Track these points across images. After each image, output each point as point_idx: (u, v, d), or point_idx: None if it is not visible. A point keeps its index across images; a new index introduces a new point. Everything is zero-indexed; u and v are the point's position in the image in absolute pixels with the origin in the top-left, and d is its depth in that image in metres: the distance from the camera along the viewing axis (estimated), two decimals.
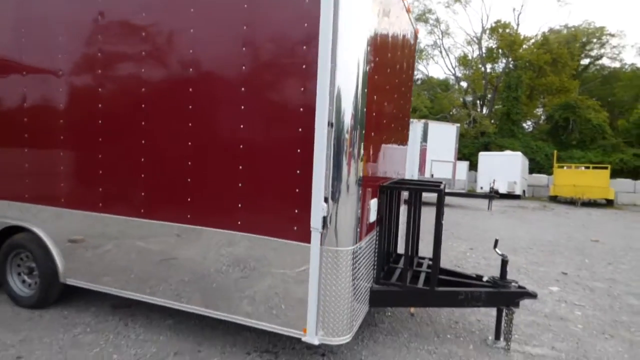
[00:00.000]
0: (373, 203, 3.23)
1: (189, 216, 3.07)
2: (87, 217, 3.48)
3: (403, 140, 4.72)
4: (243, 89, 2.83)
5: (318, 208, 2.64)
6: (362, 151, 2.80)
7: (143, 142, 3.18)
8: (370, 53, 2.77)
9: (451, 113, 33.64)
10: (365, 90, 2.75)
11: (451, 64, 37.39)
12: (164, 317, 3.79)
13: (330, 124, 2.60)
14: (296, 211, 2.75)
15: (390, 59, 3.50)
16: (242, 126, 2.86)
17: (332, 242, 2.72)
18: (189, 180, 3.05)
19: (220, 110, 2.94)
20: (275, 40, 2.75)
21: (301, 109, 2.68)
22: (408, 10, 4.02)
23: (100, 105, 3.33)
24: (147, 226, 3.23)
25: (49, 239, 3.65)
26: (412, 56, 4.79)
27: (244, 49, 2.82)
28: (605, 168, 18.46)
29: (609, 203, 18.42)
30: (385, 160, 3.72)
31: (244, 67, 2.83)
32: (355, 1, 2.59)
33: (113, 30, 3.27)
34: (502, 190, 18.49)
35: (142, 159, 3.19)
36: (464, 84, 37.14)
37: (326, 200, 2.65)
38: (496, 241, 3.91)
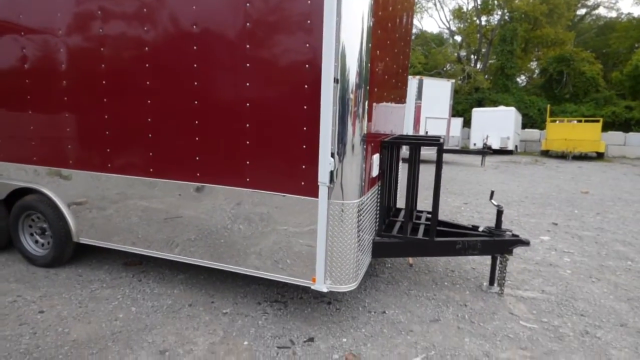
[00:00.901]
0: (375, 158, 3.32)
1: (197, 174, 3.15)
2: (96, 177, 3.54)
3: (402, 97, 4.74)
4: (248, 45, 2.82)
5: (325, 163, 2.72)
6: (366, 108, 2.85)
7: (149, 101, 3.19)
8: (373, 6, 2.75)
9: (445, 68, 33.15)
10: (369, 45, 2.75)
11: (445, 17, 36.37)
12: (175, 273, 3.96)
13: (336, 80, 2.63)
14: (303, 167, 2.84)
15: (391, 12, 3.46)
16: (247, 84, 2.87)
17: (339, 195, 2.83)
18: (196, 139, 3.10)
19: (226, 69, 2.94)
20: None
21: (306, 66, 2.69)
22: None
23: (103, 65, 3.30)
24: (156, 185, 3.31)
25: (59, 199, 3.73)
26: (411, 9, 4.71)
27: (247, 4, 2.78)
28: (597, 121, 18.61)
29: (600, 156, 18.74)
30: (387, 117, 3.77)
31: (248, 24, 2.81)
32: None
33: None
34: (495, 146, 18.65)
35: (149, 119, 3.22)
36: (458, 38, 36.35)
37: (333, 155, 2.73)
38: (492, 192, 4.06)
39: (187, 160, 3.16)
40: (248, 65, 2.85)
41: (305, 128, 2.77)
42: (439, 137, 4.20)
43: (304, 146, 2.80)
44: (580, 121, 19.36)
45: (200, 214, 3.21)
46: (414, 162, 3.96)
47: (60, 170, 3.70)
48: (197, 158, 3.13)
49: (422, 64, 31.56)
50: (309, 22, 2.63)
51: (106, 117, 3.38)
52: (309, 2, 2.61)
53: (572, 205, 8.00)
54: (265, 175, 2.97)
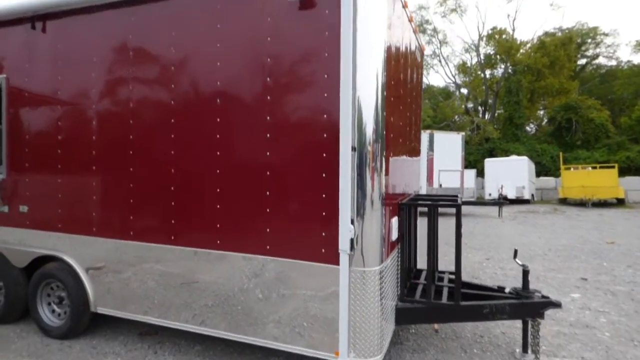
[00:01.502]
0: (394, 221, 3.29)
1: (218, 242, 3.14)
2: (118, 245, 3.56)
3: (416, 152, 4.81)
4: (268, 117, 2.93)
5: (345, 230, 2.70)
6: (384, 173, 2.88)
7: (172, 170, 3.28)
8: (386, 68, 2.86)
9: (454, 120, 33.81)
10: (384, 110, 2.83)
11: (451, 72, 37.65)
12: (191, 344, 3.83)
13: (353, 149, 2.68)
14: (323, 234, 2.81)
15: (402, 74, 3.60)
16: (268, 154, 2.94)
17: (360, 263, 2.77)
18: (218, 206, 3.13)
19: (247, 139, 3.03)
20: (296, 72, 2.86)
21: (324, 135, 2.77)
22: (410, 20, 4.08)
23: (131, 137, 3.45)
24: (178, 253, 3.30)
25: (80, 267, 3.73)
26: (420, 71, 4.90)
27: (268, 79, 2.93)
28: (612, 167, 18.41)
29: (620, 202, 18.32)
30: (403, 176, 3.79)
31: (268, 97, 2.94)
32: (373, 15, 2.70)
33: (142, 65, 3.40)
34: (511, 195, 18.46)
35: (172, 188, 3.28)
36: (464, 91, 37.38)
37: (352, 222, 2.72)
38: (515, 251, 3.94)
39: (209, 227, 3.17)
40: (268, 135, 2.94)
41: (324, 195, 2.78)
42: (456, 196, 4.18)
43: (324, 213, 2.80)
44: (595, 167, 19.17)
45: (218, 280, 3.16)
46: (433, 223, 3.91)
47: (83, 237, 3.73)
48: (218, 225, 3.15)
49: (430, 117, 32.29)
50: (325, 95, 2.75)
51: (131, 185, 3.46)
52: (326, 76, 2.74)
53: (600, 257, 7.69)
54: (286, 242, 2.94)
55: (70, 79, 3.74)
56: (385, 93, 2.82)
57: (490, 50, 34.54)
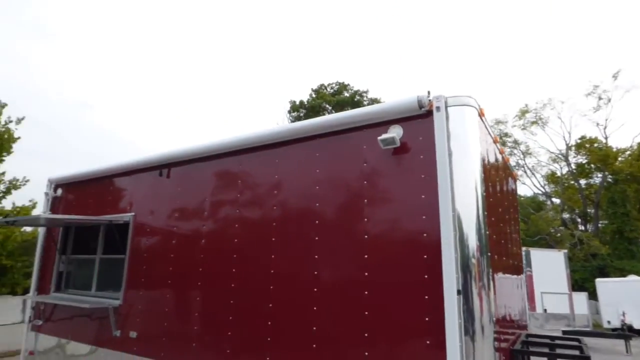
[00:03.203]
0: None
1: None
2: None
3: (519, 271, 4.44)
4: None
5: None
6: (493, 317, 2.65)
7: (270, 305, 3.35)
8: (485, 203, 2.84)
9: (550, 233, 30.94)
10: (488, 252, 2.73)
11: (539, 182, 35.71)
12: None
13: (458, 292, 2.55)
14: None
15: (500, 211, 3.51)
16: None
17: None
18: (314, 329, 3.07)
19: (346, 285, 3.05)
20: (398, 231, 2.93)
21: (425, 276, 2.70)
22: (495, 141, 4.07)
23: (234, 270, 3.67)
24: None
25: None
26: (515, 201, 4.77)
27: (365, 219, 3.06)
28: None
29: None
30: (510, 315, 3.44)
31: (366, 237, 3.02)
32: (469, 162, 2.79)
33: (248, 205, 3.76)
34: (637, 325, 15.43)
35: (269, 322, 3.32)
36: (556, 201, 34.77)
37: None
38: None
39: (305, 351, 3.08)
40: (366, 274, 2.94)
41: (428, 342, 2.60)
42: (578, 338, 3.63)
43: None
44: None
45: None
46: None
47: None
48: (314, 345, 3.05)
49: (522, 230, 29.99)
50: (425, 235, 2.76)
51: (230, 318, 3.56)
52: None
53: None
54: None
55: (185, 215, 4.24)
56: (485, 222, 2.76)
57: (581, 159, 32.67)
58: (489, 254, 2.76)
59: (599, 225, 30.51)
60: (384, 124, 3.08)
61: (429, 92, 2.86)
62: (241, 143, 3.92)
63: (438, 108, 2.80)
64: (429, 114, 2.90)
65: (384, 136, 2.93)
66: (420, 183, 2.85)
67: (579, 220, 33.43)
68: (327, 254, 3.17)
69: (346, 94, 31.04)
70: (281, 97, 66.17)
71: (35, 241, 13.33)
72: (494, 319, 2.69)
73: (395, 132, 2.93)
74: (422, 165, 2.87)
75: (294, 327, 3.21)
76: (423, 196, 2.82)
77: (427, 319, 2.64)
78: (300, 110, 30.65)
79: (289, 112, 31.36)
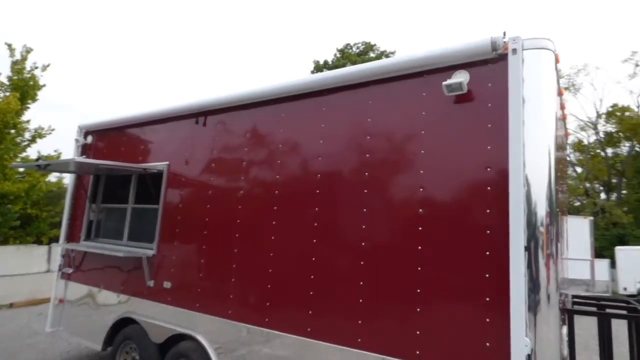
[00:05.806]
0: (564, 332, 2.80)
1: (359, 340, 2.92)
2: (252, 331, 3.51)
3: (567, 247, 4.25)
4: (421, 210, 2.83)
5: (519, 345, 2.32)
6: (556, 273, 2.51)
7: (313, 259, 3.26)
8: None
9: (571, 202, 30.35)
10: (557, 209, 2.54)
11: None
12: None
13: (525, 248, 2.39)
14: (487, 344, 2.46)
15: (561, 169, 3.28)
16: (419, 247, 2.78)
17: None
18: (360, 301, 2.98)
19: (398, 232, 2.93)
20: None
21: (488, 232, 2.54)
22: (561, 93, 3.73)
23: (274, 222, 3.56)
24: (316, 346, 3.12)
25: (212, 350, 3.72)
26: (567, 162, 4.49)
27: (421, 171, 2.88)
28: None
29: None
30: (562, 277, 3.30)
31: (421, 189, 2.86)
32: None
33: (290, 156, 3.60)
34: None
35: (312, 276, 3.24)
36: (579, 170, 33.85)
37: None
38: None
39: (349, 323, 2.99)
40: (420, 228, 2.80)
41: (488, 299, 2.48)
42: (628, 301, 3.49)
43: (487, 320, 2.48)
44: None
45: None
46: (606, 339, 3.26)
47: (217, 319, 3.76)
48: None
49: None
50: (488, 188, 2.57)
51: (270, 271, 3.49)
52: (488, 169, 2.59)
53: None
54: (440, 349, 2.63)
55: (222, 165, 4.11)
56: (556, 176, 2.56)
57: (611, 128, 31.38)
58: (558, 210, 2.58)
59: (622, 195, 29.76)
60: (447, 69, 2.82)
61: (504, 33, 2.58)
62: (283, 90, 3.70)
63: (515, 50, 2.52)
64: (500, 58, 2.63)
65: (449, 81, 2.68)
66: (486, 133, 2.63)
67: (601, 189, 32.60)
68: (377, 206, 3.01)
69: (372, 55, 29.90)
70: (306, 58, 64.41)
71: (60, 192, 13.55)
72: (559, 277, 2.55)
73: (462, 77, 2.67)
74: (489, 113, 2.63)
75: (339, 281, 3.11)
76: (489, 147, 2.61)
77: (487, 275, 2.51)
78: (324, 70, 29.82)
79: (312, 72, 30.56)
